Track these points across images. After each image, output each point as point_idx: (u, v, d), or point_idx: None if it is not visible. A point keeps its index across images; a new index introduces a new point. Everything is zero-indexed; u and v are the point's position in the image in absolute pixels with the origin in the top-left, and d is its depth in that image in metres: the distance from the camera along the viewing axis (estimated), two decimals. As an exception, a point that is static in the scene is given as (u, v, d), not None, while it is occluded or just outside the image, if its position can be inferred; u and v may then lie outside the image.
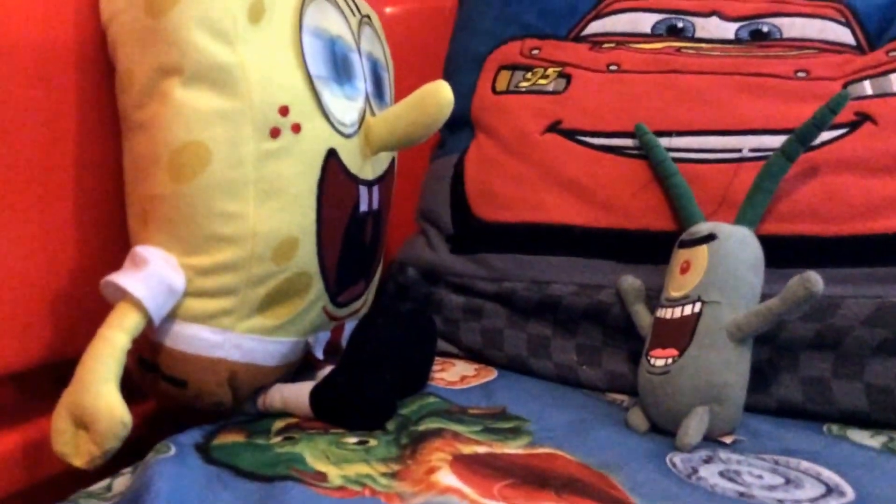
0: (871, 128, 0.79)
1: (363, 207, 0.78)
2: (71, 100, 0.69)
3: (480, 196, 0.92)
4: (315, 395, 0.70)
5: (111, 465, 0.59)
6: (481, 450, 0.62)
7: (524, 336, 0.86)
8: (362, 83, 0.80)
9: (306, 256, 0.70)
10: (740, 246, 0.72)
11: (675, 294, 0.73)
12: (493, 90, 0.98)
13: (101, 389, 0.58)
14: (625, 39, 0.95)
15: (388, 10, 1.18)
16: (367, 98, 0.80)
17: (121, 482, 0.60)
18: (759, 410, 0.74)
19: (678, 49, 0.92)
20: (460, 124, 0.98)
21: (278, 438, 0.66)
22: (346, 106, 0.76)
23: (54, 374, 0.63)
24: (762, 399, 0.74)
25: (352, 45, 0.81)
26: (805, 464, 0.63)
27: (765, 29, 0.91)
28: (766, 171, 0.76)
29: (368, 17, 0.89)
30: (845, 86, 0.82)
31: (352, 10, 0.84)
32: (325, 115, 0.72)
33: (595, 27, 0.98)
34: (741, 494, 0.56)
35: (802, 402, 0.73)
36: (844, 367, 0.71)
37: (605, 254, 0.84)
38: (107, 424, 0.57)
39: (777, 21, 0.91)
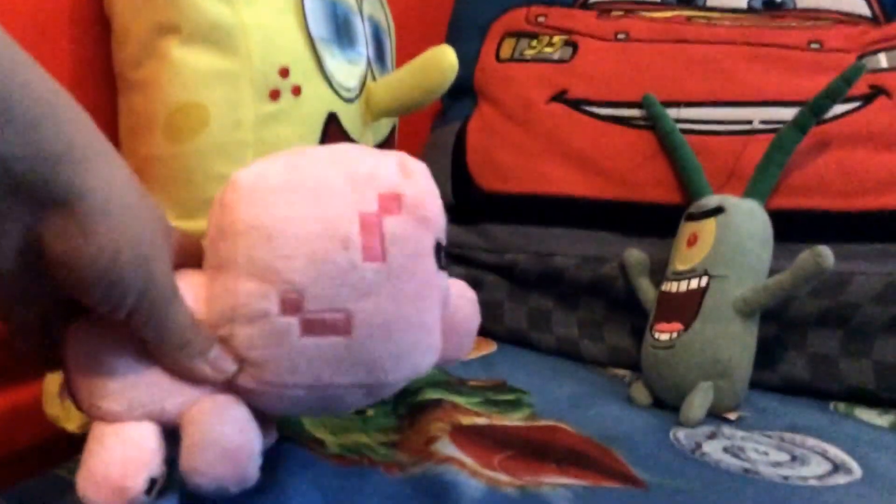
0: (885, 101, 0.77)
1: (364, 174, 0.76)
2: (66, 57, 0.67)
3: (482, 166, 0.90)
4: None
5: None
6: (481, 421, 0.61)
7: (525, 309, 0.85)
8: (364, 47, 0.78)
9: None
10: (749, 219, 0.71)
11: (681, 267, 0.71)
12: (497, 58, 0.96)
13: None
14: (634, 7, 0.93)
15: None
16: (368, 62, 0.78)
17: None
18: (765, 387, 0.73)
19: (688, 18, 0.90)
20: (463, 92, 0.96)
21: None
22: (348, 70, 0.74)
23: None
24: (768, 375, 0.73)
25: (353, 8, 0.79)
26: (811, 441, 0.61)
27: (778, -1, 0.89)
28: (777, 144, 0.74)
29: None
30: (860, 58, 0.80)
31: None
32: (327, 78, 0.70)
33: (603, -5, 0.96)
34: (746, 471, 0.55)
35: (809, 380, 0.72)
36: (853, 345, 0.70)
37: (609, 226, 0.82)
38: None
39: (791, -10, 0.89)
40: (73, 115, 0.35)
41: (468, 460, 0.52)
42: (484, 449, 0.55)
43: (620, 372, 0.79)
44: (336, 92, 0.71)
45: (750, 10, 0.89)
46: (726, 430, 0.63)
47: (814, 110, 0.74)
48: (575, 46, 0.91)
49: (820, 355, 0.71)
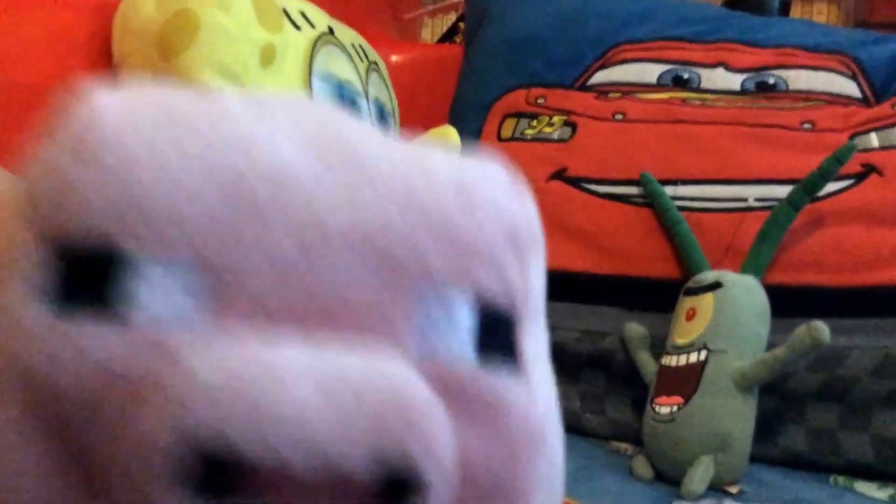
0: (877, 179, 0.79)
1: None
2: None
3: (485, 241, 0.92)
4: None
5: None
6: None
7: (527, 383, 0.86)
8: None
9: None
10: (746, 294, 0.72)
11: (680, 341, 0.72)
12: (499, 137, 0.99)
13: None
14: (631, 89, 0.96)
15: (395, 57, 1.19)
16: (374, 141, 0.81)
17: None
18: (766, 460, 0.73)
19: (684, 100, 0.92)
20: (465, 170, 0.99)
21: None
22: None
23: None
24: (768, 449, 0.73)
25: (359, 90, 0.81)
26: (813, 516, 0.62)
27: (771, 81, 0.92)
28: (773, 221, 0.76)
29: (376, 63, 0.90)
30: (851, 137, 0.83)
31: (360, 57, 0.85)
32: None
33: (601, 77, 0.99)
34: (748, 545, 0.55)
35: (809, 453, 0.72)
36: (851, 419, 0.71)
37: (609, 300, 0.83)
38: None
39: (783, 73, 0.92)
40: None
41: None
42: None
43: (622, 445, 0.79)
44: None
45: (743, 91, 0.92)
46: (727, 503, 0.63)
47: (807, 188, 0.75)
48: (574, 126, 0.94)
49: (819, 429, 0.72)
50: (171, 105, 0.33)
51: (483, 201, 0.34)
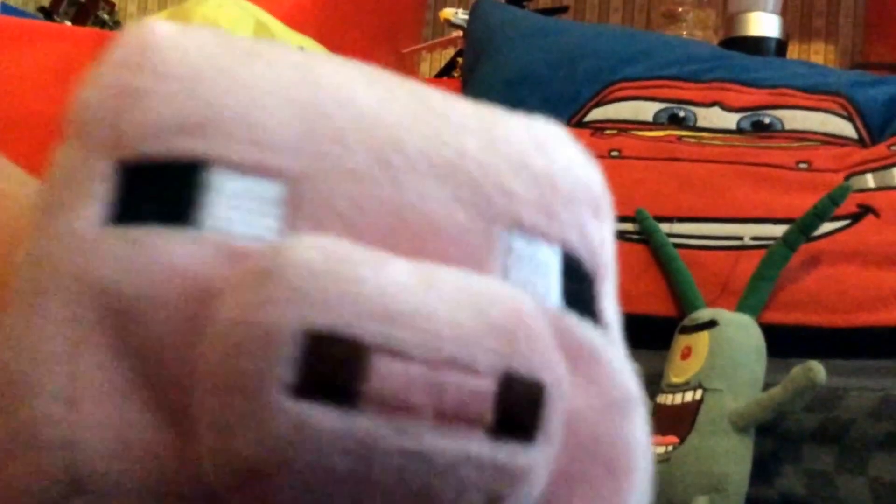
0: (873, 220, 0.79)
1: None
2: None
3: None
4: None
5: None
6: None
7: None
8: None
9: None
10: (742, 333, 0.72)
11: (675, 380, 0.72)
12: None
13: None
14: (627, 127, 0.97)
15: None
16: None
17: None
18: (762, 502, 0.73)
19: (679, 137, 0.93)
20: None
21: None
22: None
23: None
24: (764, 490, 0.73)
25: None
26: (809, 560, 0.61)
27: (766, 120, 0.92)
28: (768, 260, 0.76)
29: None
30: (847, 178, 0.83)
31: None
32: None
33: (597, 114, 0.99)
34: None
35: (805, 495, 0.72)
36: (848, 461, 0.70)
37: (604, 338, 0.83)
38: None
39: (779, 113, 0.92)
40: None
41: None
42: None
43: (616, 486, 0.78)
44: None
45: (739, 131, 0.92)
46: (723, 546, 0.63)
47: (802, 228, 0.76)
48: (570, 162, 0.94)
49: (816, 471, 0.71)
50: (226, 33, 0.32)
51: (559, 152, 0.33)
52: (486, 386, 0.23)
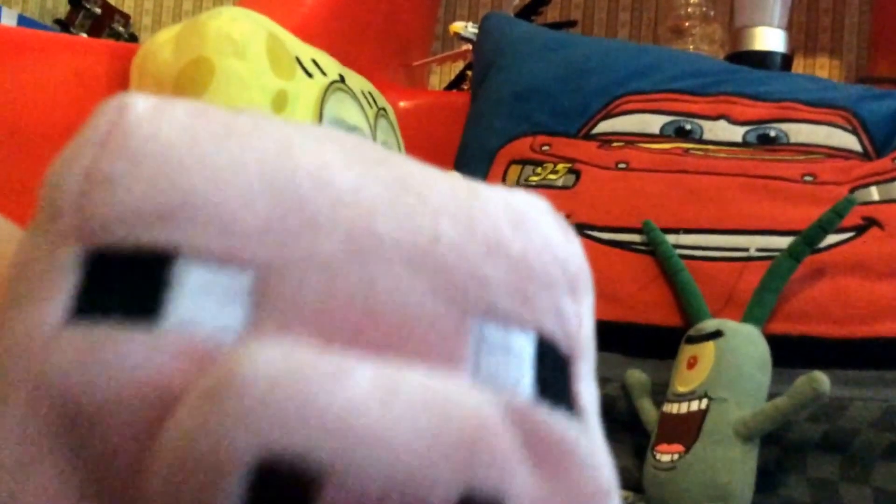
0: (878, 232, 0.80)
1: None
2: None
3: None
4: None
5: None
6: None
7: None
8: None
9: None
10: (747, 343, 0.72)
11: (681, 389, 0.73)
12: (504, 183, 1.00)
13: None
14: (633, 139, 0.98)
15: (403, 103, 1.21)
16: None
17: None
18: (766, 511, 0.73)
19: (686, 150, 0.94)
20: (470, 216, 1.00)
21: None
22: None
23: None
24: (769, 499, 0.73)
25: (368, 135, 0.83)
26: (813, 567, 0.61)
27: (772, 133, 0.93)
28: (773, 271, 0.77)
29: (384, 109, 0.92)
30: (852, 191, 0.84)
31: (369, 103, 0.87)
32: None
33: (604, 126, 1.00)
34: None
35: (810, 504, 0.72)
36: (852, 470, 0.71)
37: (611, 347, 0.84)
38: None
39: (784, 126, 0.93)
40: None
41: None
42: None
43: (623, 493, 0.79)
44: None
45: (745, 143, 0.93)
46: (728, 553, 0.63)
47: (807, 240, 0.76)
48: (578, 174, 0.95)
49: (820, 480, 0.72)
50: (204, 107, 0.31)
51: (535, 231, 0.31)
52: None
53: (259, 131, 0.29)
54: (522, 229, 0.31)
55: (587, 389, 0.32)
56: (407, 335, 0.27)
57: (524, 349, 0.29)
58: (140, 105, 0.29)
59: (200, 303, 0.25)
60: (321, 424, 0.21)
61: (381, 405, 0.22)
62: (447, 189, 0.31)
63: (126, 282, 0.26)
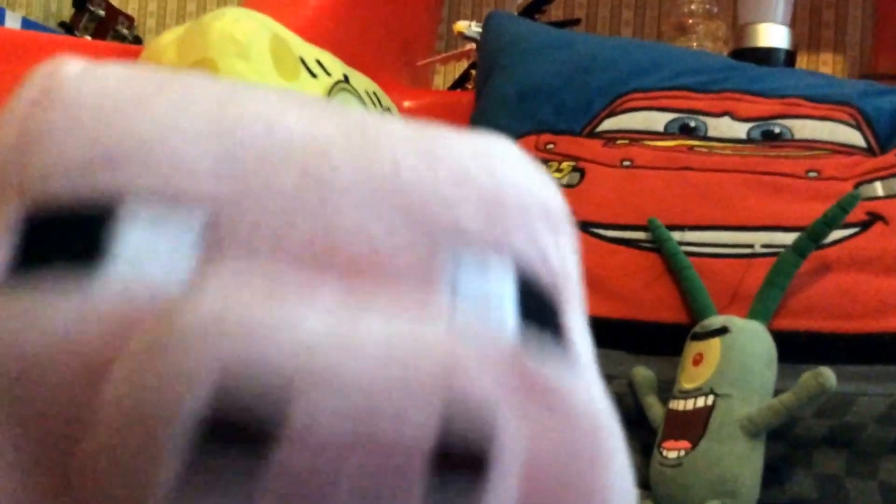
0: (882, 227, 0.80)
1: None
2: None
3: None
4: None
5: None
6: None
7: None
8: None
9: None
10: (753, 340, 0.72)
11: (687, 386, 0.73)
12: (509, 182, 1.00)
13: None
14: (638, 137, 0.98)
15: (407, 103, 1.22)
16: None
17: None
18: (773, 506, 0.73)
19: (691, 147, 0.94)
20: (475, 215, 1.00)
21: None
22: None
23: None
24: (776, 495, 0.73)
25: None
26: (820, 562, 0.62)
27: (776, 130, 0.93)
28: (778, 267, 0.77)
29: (389, 109, 0.92)
30: (856, 186, 0.84)
31: (373, 103, 0.87)
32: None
33: (609, 124, 1.00)
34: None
35: (817, 499, 0.72)
36: (858, 465, 0.71)
37: (617, 344, 0.84)
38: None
39: (788, 123, 0.93)
40: None
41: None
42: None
43: (629, 491, 0.79)
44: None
45: (749, 140, 0.93)
46: (735, 549, 0.63)
47: (812, 236, 0.76)
48: (582, 172, 0.95)
49: (826, 475, 0.72)
50: (140, 66, 0.29)
51: (504, 164, 0.29)
52: (421, 443, 0.20)
53: (200, 85, 0.28)
54: (492, 164, 0.29)
55: (577, 324, 0.30)
56: (375, 265, 0.25)
57: (504, 278, 0.27)
58: (71, 65, 0.28)
59: (147, 248, 0.24)
60: (273, 364, 0.19)
61: (339, 345, 0.20)
62: (410, 130, 0.29)
63: (65, 234, 0.24)
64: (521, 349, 0.26)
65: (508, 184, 0.29)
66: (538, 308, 0.28)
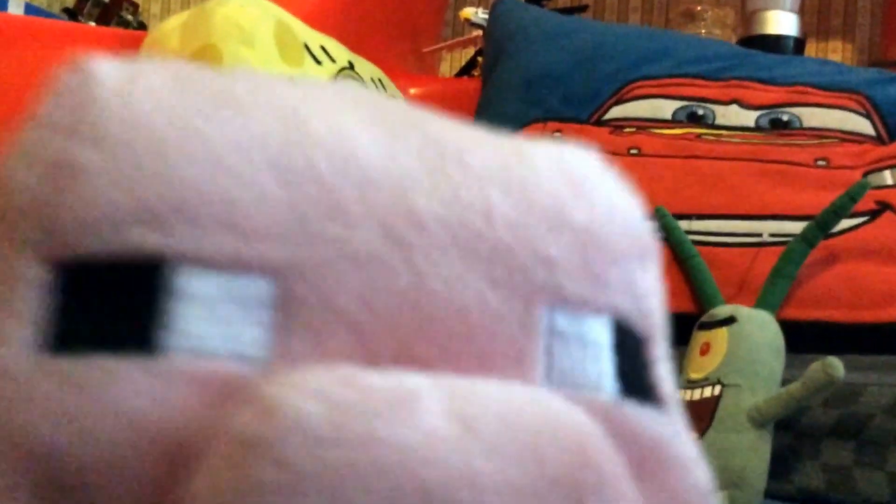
0: (891, 216, 0.79)
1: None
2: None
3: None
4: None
5: None
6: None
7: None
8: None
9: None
10: (760, 329, 0.72)
11: (694, 376, 0.73)
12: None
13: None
14: (645, 125, 0.97)
15: (413, 90, 1.21)
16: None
17: None
18: (780, 497, 0.73)
19: (698, 135, 0.93)
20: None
21: None
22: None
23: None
24: (783, 485, 0.73)
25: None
26: (827, 553, 0.61)
27: (785, 118, 0.92)
28: (787, 256, 0.76)
29: (394, 97, 0.91)
30: (865, 175, 0.83)
31: (379, 90, 0.86)
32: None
33: (616, 112, 1.00)
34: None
35: (825, 490, 0.72)
36: (867, 455, 0.70)
37: (623, 334, 0.84)
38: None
39: (797, 111, 0.92)
40: None
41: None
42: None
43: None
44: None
45: (758, 128, 0.93)
46: (741, 539, 0.63)
47: (821, 225, 0.76)
48: (589, 160, 0.94)
49: (834, 466, 0.72)
50: (186, 71, 0.25)
51: (598, 195, 0.27)
52: None
53: (258, 97, 0.24)
54: (584, 193, 0.26)
55: (666, 375, 0.29)
56: (468, 338, 0.22)
57: (600, 337, 0.25)
58: (108, 76, 0.23)
59: (209, 322, 0.20)
60: (385, 477, 0.17)
61: (458, 435, 0.18)
62: (491, 152, 0.25)
63: (111, 301, 0.21)
64: (624, 409, 0.25)
65: (604, 220, 0.27)
66: (633, 363, 0.26)
